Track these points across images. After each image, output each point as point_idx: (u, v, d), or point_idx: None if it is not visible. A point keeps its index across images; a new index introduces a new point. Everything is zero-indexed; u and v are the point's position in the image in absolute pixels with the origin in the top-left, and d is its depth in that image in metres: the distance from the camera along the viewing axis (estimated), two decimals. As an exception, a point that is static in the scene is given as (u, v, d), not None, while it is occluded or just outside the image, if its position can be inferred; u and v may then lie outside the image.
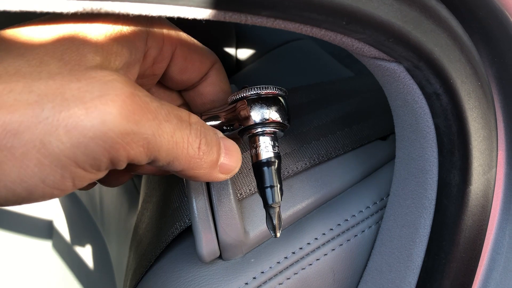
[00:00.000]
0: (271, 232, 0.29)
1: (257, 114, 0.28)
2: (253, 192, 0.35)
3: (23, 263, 1.09)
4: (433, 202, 0.31)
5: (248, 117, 0.28)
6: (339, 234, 0.36)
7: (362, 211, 0.37)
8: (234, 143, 0.27)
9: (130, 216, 0.70)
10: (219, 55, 0.32)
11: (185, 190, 0.36)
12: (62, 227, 1.07)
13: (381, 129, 0.42)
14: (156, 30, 0.27)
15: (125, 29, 0.24)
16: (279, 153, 0.29)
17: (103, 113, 0.19)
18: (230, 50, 0.70)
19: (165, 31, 0.27)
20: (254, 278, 0.33)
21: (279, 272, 0.34)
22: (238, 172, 0.35)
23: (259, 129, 0.29)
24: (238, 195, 0.34)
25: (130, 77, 0.25)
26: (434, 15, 0.25)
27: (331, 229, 0.36)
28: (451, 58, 0.26)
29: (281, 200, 0.29)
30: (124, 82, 0.21)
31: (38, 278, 1.07)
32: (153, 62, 0.28)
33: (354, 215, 0.37)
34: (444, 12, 0.26)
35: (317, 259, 0.35)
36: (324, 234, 0.36)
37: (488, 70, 0.29)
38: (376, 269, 0.36)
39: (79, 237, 1.02)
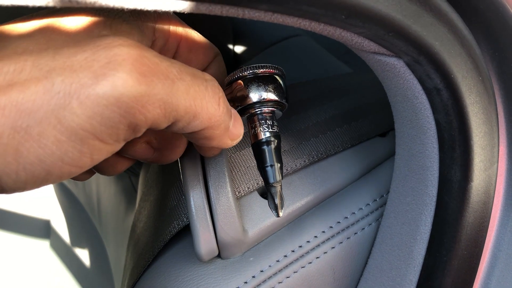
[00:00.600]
0: (273, 211, 0.29)
1: (254, 94, 0.28)
2: (252, 190, 0.34)
3: (20, 262, 1.08)
4: (434, 199, 0.31)
5: (245, 97, 0.28)
6: (338, 232, 0.36)
7: (362, 209, 0.37)
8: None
9: (128, 215, 0.69)
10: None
11: (183, 188, 0.35)
12: (60, 226, 1.06)
13: (380, 125, 0.42)
14: (163, 22, 0.27)
15: (134, 17, 0.25)
16: (278, 132, 0.29)
17: (113, 78, 0.19)
18: (227, 47, 0.69)
19: (171, 23, 0.28)
20: (254, 277, 0.33)
21: (279, 271, 0.33)
22: (236, 169, 0.35)
23: (257, 109, 0.29)
24: (237, 193, 0.34)
25: None
26: (434, 9, 0.25)
27: (331, 227, 0.36)
28: (452, 53, 0.26)
29: (282, 178, 0.29)
30: (130, 45, 0.20)
31: (36, 278, 1.06)
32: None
33: (354, 213, 0.37)
34: (444, 5, 0.25)
35: (317, 257, 0.35)
36: (323, 232, 0.35)
37: (489, 65, 0.29)
38: (377, 267, 0.36)
39: (77, 237, 1.02)
